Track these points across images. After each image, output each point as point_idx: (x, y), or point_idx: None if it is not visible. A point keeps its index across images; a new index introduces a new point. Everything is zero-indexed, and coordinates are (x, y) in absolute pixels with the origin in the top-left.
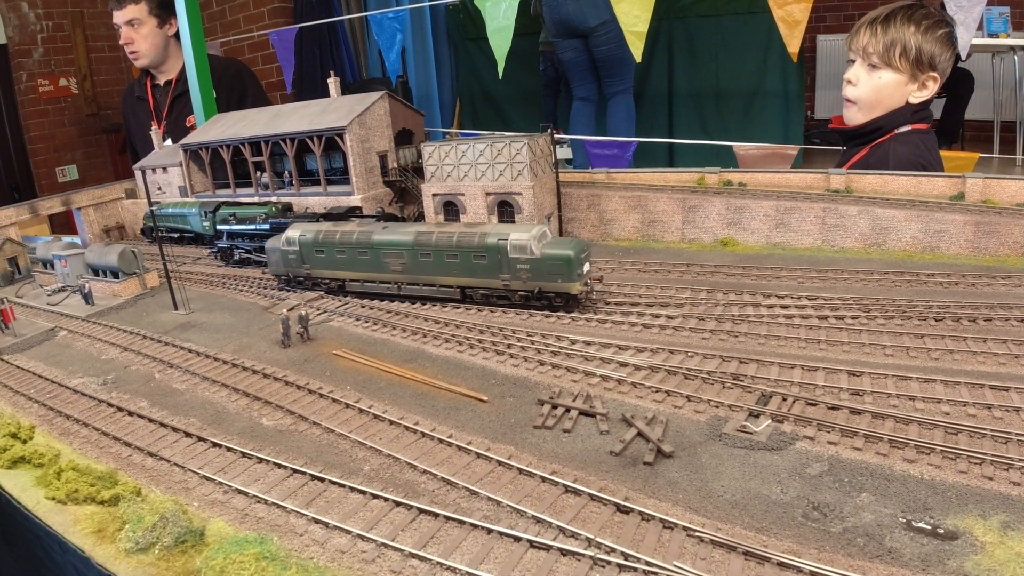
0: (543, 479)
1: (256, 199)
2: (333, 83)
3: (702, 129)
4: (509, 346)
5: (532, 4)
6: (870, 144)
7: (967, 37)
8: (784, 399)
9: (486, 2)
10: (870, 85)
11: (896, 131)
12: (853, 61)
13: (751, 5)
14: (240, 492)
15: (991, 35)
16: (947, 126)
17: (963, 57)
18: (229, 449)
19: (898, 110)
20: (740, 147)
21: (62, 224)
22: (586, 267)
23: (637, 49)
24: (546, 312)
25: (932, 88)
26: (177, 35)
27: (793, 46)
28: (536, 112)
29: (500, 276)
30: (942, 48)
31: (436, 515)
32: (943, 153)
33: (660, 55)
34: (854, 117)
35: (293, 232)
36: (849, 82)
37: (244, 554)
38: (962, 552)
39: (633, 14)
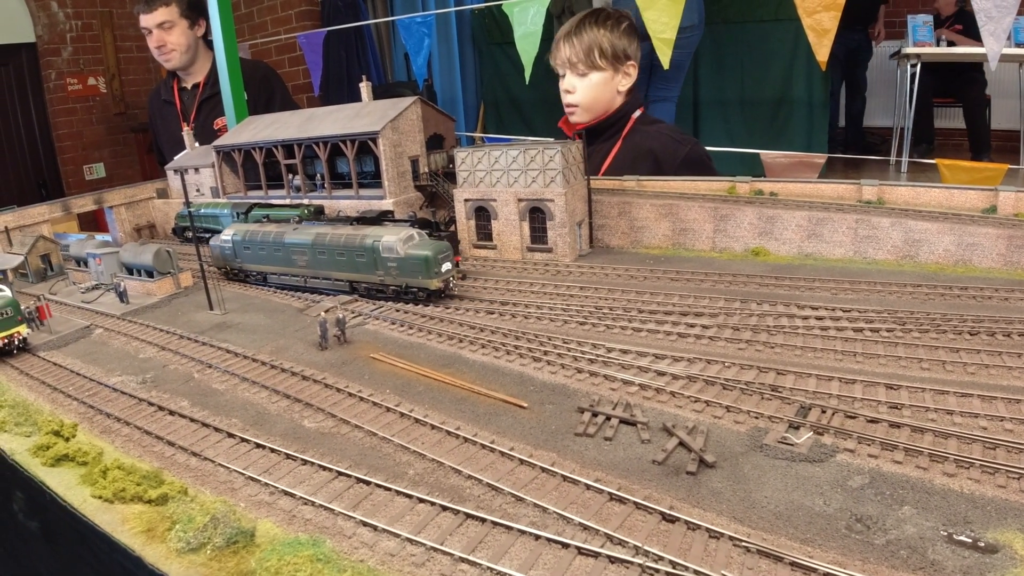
0: (587, 486)
1: (288, 201)
2: (365, 87)
3: (728, 136)
4: (546, 352)
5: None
6: (620, 138)
7: (996, 47)
8: (823, 411)
9: (514, 7)
10: (585, 88)
11: (633, 117)
12: (563, 75)
13: (777, 12)
14: (287, 493)
15: (1019, 44)
16: (976, 136)
17: (992, 68)
18: (273, 450)
19: (624, 104)
20: (768, 155)
21: (89, 221)
22: (446, 266)
23: (665, 56)
24: (580, 320)
25: (633, 74)
26: (204, 37)
27: (822, 55)
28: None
29: (376, 272)
30: (630, 39)
31: (483, 520)
32: (971, 164)
33: None
34: (581, 118)
35: (228, 232)
36: (568, 91)
37: (298, 556)
38: (1003, 565)
39: (661, 21)
